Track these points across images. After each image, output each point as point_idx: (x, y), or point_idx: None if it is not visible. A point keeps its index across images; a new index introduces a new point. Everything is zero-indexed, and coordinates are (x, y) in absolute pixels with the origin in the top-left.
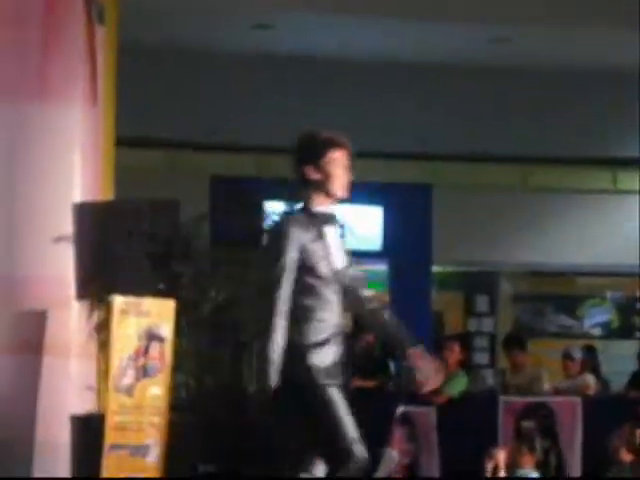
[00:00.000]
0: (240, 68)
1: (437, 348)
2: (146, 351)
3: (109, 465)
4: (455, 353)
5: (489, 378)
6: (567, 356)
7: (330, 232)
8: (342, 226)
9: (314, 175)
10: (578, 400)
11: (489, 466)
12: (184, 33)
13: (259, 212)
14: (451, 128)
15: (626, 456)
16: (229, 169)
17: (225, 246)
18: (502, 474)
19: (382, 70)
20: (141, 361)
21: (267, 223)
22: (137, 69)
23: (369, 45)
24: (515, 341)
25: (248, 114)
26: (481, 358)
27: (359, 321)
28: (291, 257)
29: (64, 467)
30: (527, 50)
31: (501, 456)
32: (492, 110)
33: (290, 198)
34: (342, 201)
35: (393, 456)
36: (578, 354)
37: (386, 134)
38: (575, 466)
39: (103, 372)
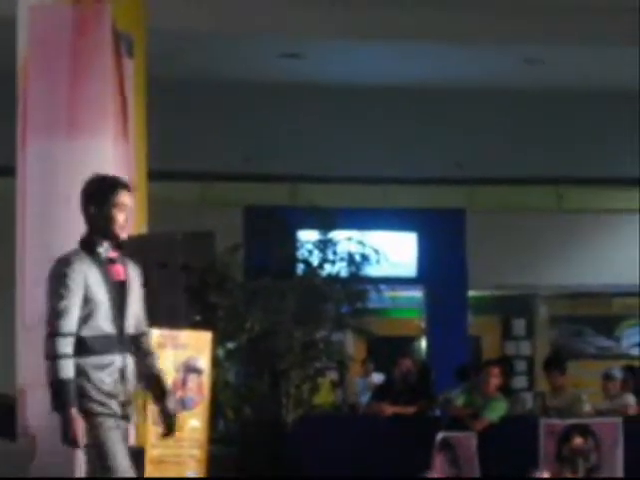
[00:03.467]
0: (270, 97)
1: (476, 373)
2: (184, 384)
3: None
4: (495, 378)
5: (528, 401)
6: (607, 377)
7: None
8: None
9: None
10: (619, 421)
11: None
12: (213, 64)
13: (293, 241)
14: (483, 152)
15: None
16: (262, 199)
17: (260, 276)
18: None
19: (414, 96)
20: (179, 394)
21: (300, 252)
22: (167, 102)
23: (401, 71)
24: (554, 363)
25: (280, 143)
26: (520, 382)
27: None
28: None
29: None
30: (560, 71)
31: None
32: (524, 132)
33: (323, 227)
34: (376, 228)
35: None
36: (618, 374)
37: (418, 160)
38: None
39: (141, 405)
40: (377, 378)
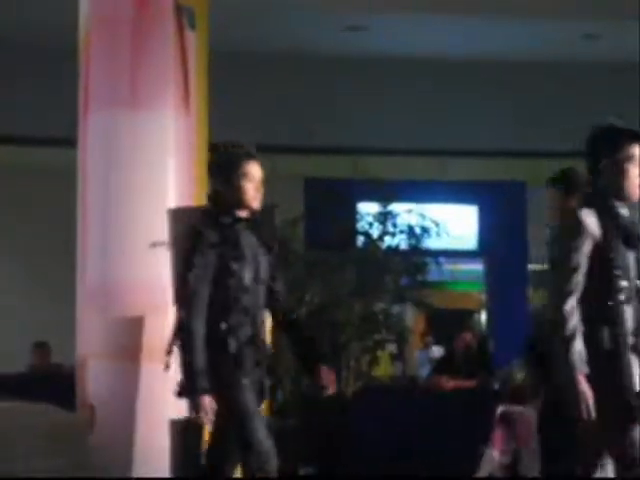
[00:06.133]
0: (334, 70)
1: (537, 346)
2: None
3: None
4: None
5: None
6: None
7: None
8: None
9: None
10: None
11: None
12: (277, 36)
13: (353, 214)
14: (544, 124)
15: None
16: (324, 171)
17: (319, 248)
18: None
19: (477, 68)
20: None
21: (360, 224)
22: (230, 74)
23: (463, 45)
24: None
25: (342, 116)
26: None
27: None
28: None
29: (163, 472)
30: (619, 46)
31: None
32: (586, 106)
33: (383, 199)
34: (437, 200)
35: (493, 456)
36: None
37: (479, 133)
38: None
39: None
40: (437, 351)
